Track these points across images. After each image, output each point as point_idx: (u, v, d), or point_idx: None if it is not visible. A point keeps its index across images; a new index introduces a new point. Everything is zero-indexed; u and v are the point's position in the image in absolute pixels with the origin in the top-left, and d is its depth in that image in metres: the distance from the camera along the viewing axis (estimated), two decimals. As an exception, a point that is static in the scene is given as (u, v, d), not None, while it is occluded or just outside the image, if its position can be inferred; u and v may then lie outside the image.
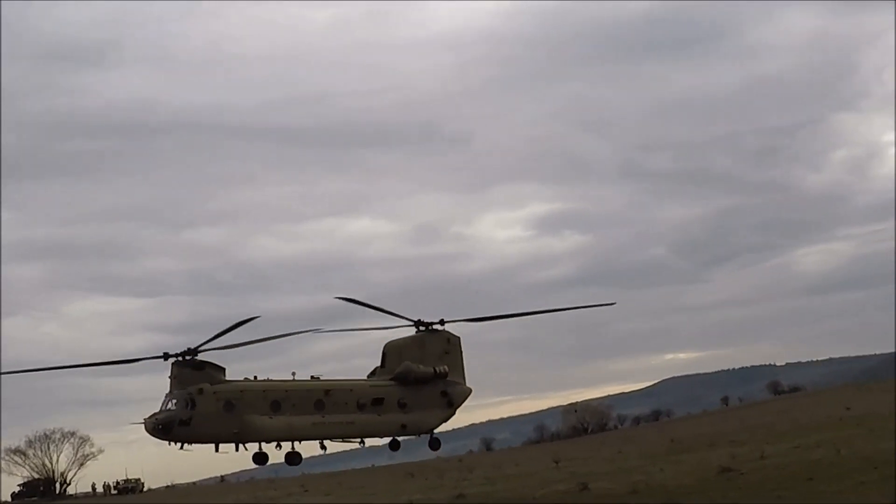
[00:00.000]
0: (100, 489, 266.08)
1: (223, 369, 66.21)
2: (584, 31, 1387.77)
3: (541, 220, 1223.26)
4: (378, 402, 71.42)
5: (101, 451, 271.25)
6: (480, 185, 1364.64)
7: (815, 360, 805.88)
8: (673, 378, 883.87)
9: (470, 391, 77.47)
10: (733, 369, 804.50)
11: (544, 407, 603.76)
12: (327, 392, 68.95)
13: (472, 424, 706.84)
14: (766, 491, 66.15)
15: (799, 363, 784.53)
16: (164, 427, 63.23)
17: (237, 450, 67.09)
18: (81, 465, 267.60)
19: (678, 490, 74.69)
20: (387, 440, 75.41)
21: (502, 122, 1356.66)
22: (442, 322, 75.09)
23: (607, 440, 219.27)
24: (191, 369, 64.67)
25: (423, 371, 73.71)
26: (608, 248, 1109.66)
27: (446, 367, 74.97)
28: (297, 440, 68.13)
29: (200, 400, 63.62)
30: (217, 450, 66.05)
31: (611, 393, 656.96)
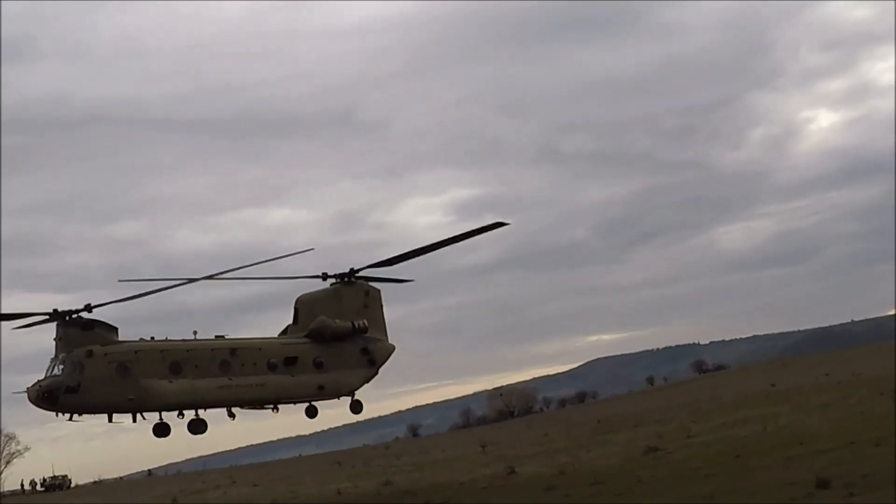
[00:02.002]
0: (28, 487, 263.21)
1: (115, 329, 59.51)
2: (499, 13, 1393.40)
3: (461, 205, 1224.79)
4: (291, 361, 64.75)
5: (27, 449, 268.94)
6: (400, 171, 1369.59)
7: (738, 337, 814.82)
8: (598, 359, 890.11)
9: (393, 348, 70.66)
10: (657, 349, 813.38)
11: (470, 392, 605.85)
12: (234, 351, 62.32)
13: (398, 411, 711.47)
14: (693, 469, 65.96)
15: (723, 341, 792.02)
16: (48, 395, 56.38)
17: (134, 420, 59.83)
18: (8, 463, 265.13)
19: (605, 471, 74.38)
20: (302, 406, 67.88)
21: (419, 107, 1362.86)
22: (352, 272, 68.90)
23: (533, 423, 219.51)
24: (78, 329, 57.89)
25: (341, 326, 67.25)
26: (529, 231, 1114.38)
27: (366, 322, 68.61)
28: (201, 407, 61.47)
29: (90, 363, 56.85)
30: (110, 420, 58.92)
31: (536, 376, 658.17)
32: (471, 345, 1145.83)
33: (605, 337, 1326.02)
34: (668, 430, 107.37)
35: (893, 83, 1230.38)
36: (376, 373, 69.62)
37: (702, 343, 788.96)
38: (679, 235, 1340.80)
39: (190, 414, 61.75)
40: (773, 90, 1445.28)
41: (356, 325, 68.02)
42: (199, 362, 60.96)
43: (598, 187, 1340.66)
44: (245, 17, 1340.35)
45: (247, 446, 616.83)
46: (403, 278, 72.99)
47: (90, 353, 57.25)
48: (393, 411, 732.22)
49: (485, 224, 67.34)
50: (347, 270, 68.79)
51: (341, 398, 68.78)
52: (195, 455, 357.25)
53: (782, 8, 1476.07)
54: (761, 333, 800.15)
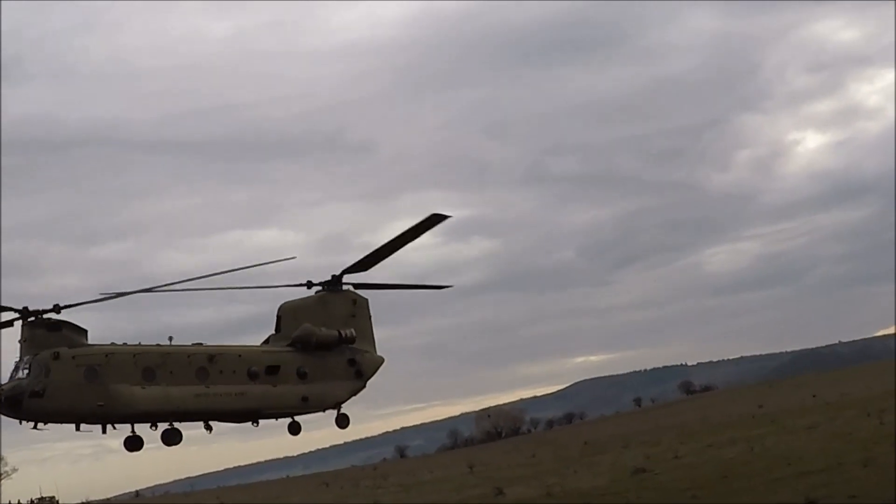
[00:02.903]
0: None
1: (85, 331, 54.63)
2: (486, 36, 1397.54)
3: (448, 227, 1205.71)
4: (273, 370, 59.19)
5: (14, 470, 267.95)
6: (387, 193, 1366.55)
7: (726, 358, 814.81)
8: (585, 380, 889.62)
9: (382, 360, 65.05)
10: (645, 370, 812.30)
11: (457, 413, 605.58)
12: (212, 358, 57.17)
13: (386, 432, 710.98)
14: (681, 490, 66.11)
15: (710, 362, 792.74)
16: (11, 401, 51.68)
17: (104, 430, 54.77)
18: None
19: (593, 492, 74.49)
20: (284, 423, 61.10)
21: (407, 129, 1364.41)
22: (337, 280, 63.19)
23: (521, 444, 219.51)
24: (44, 330, 53.20)
25: (327, 334, 61.27)
26: (516, 252, 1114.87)
27: (353, 331, 62.66)
28: (175, 417, 55.95)
29: (56, 366, 52.02)
30: (78, 428, 53.71)
31: (524, 397, 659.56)
32: (459, 366, 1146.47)
33: (593, 358, 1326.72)
34: (655, 452, 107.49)
35: (880, 105, 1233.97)
36: (364, 386, 63.81)
37: (689, 364, 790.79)
38: (666, 257, 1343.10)
39: (164, 425, 55.63)
40: (761, 112, 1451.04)
41: (343, 335, 61.92)
42: (174, 368, 55.83)
43: (585, 209, 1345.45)
44: (233, 39, 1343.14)
45: (234, 467, 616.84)
46: (441, 284, 67.85)
47: (57, 356, 52.26)
48: (380, 432, 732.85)
49: (425, 218, 66.14)
50: (329, 278, 63.28)
51: (326, 411, 62.46)
52: (183, 476, 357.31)
53: (770, 30, 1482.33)
54: (749, 355, 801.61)
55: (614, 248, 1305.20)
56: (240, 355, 58.41)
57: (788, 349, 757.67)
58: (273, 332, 62.65)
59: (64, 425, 53.11)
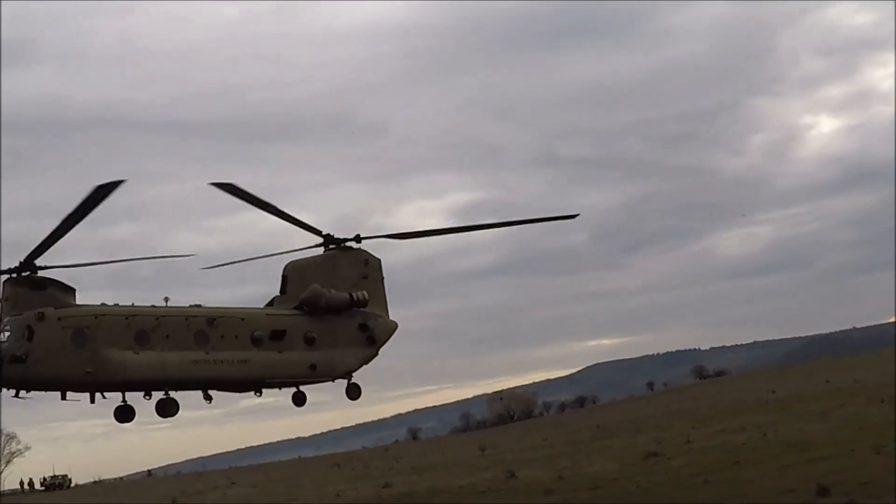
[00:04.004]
0: (27, 486, 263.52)
1: (73, 290, 50.90)
2: (496, 20, 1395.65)
3: (460, 210, 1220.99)
4: (278, 335, 55.34)
5: (28, 448, 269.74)
6: (398, 175, 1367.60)
7: (738, 343, 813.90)
8: (598, 364, 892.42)
9: (395, 326, 61.42)
10: (658, 354, 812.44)
11: (470, 395, 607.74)
12: (212, 321, 53.28)
13: (398, 414, 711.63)
14: (692, 475, 66.00)
15: (723, 347, 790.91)
16: None
17: (92, 399, 51.36)
18: (8, 462, 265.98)
19: (604, 476, 74.42)
20: (289, 391, 58.27)
21: (417, 112, 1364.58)
22: (358, 239, 59.83)
23: (533, 427, 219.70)
24: (28, 288, 49.23)
25: (337, 297, 57.52)
26: (528, 236, 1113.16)
27: (365, 294, 58.79)
28: (171, 385, 52.23)
29: (41, 328, 48.05)
30: (64, 397, 50.59)
31: (536, 380, 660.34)
32: (471, 349, 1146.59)
33: (606, 342, 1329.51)
34: (667, 436, 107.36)
35: (894, 89, 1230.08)
36: (376, 353, 60.16)
37: (702, 349, 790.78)
38: (679, 241, 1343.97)
39: (159, 394, 52.50)
40: (774, 96, 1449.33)
41: (355, 297, 58.28)
42: (170, 332, 51.78)
43: (597, 192, 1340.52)
44: (242, 20, 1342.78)
45: (246, 448, 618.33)
46: (565, 214, 62.21)
47: (41, 317, 48.31)
48: (392, 414, 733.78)
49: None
50: (353, 236, 59.88)
51: (336, 381, 58.92)
52: (195, 456, 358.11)
53: (782, 13, 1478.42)
54: (762, 340, 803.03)
55: (626, 231, 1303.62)
56: (242, 319, 54.73)
57: (802, 334, 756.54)
58: (278, 293, 59.02)
59: (49, 392, 49.81)
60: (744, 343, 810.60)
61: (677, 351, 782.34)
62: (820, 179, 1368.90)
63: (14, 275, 49.44)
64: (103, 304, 51.19)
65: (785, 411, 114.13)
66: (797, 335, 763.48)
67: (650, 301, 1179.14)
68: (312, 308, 57.04)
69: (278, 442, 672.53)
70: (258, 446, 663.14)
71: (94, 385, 50.16)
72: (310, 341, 56.28)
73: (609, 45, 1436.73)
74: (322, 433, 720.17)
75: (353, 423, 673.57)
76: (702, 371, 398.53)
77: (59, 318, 48.77)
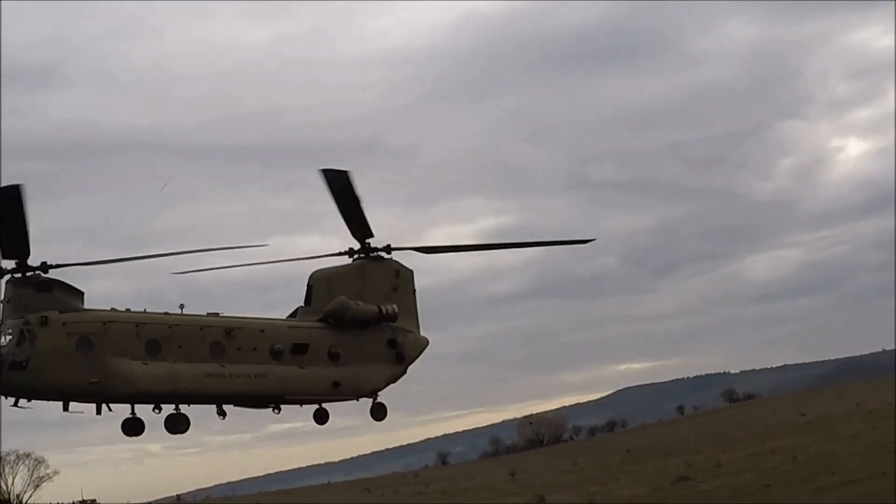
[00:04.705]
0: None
1: (81, 294, 47.51)
2: (525, 43, 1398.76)
3: (490, 234, 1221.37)
4: (300, 349, 51.30)
5: (56, 473, 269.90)
6: (428, 199, 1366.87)
7: (768, 366, 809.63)
8: (628, 388, 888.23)
9: (426, 342, 56.97)
10: (688, 378, 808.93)
11: (499, 420, 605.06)
12: (229, 332, 49.52)
13: (427, 439, 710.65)
14: (723, 499, 66.03)
15: (753, 370, 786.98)
16: None
17: (98, 411, 47.74)
18: (37, 486, 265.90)
19: (634, 500, 74.49)
20: (310, 409, 53.76)
21: (447, 136, 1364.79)
22: (388, 249, 55.36)
23: (563, 452, 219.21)
24: (32, 290, 45.93)
25: (365, 309, 53.19)
26: (558, 260, 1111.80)
27: (395, 307, 54.42)
28: (183, 399, 48.44)
29: (43, 333, 44.72)
30: (66, 408, 46.90)
31: (566, 404, 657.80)
32: (500, 373, 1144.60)
33: (635, 366, 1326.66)
34: (697, 460, 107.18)
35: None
36: (405, 371, 55.71)
37: (732, 372, 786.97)
38: (708, 265, 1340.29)
39: (169, 408, 48.72)
40: (803, 119, 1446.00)
41: (384, 311, 53.90)
42: (183, 342, 48.24)
43: (626, 216, 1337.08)
44: (272, 45, 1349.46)
45: (276, 472, 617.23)
46: (582, 238, 59.95)
47: (45, 321, 44.97)
48: (422, 439, 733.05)
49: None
50: (383, 247, 55.43)
51: (360, 399, 54.34)
52: (224, 481, 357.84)
53: (810, 36, 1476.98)
54: (791, 363, 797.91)
55: (655, 255, 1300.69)
56: (262, 330, 50.91)
57: (831, 357, 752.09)
58: (302, 304, 54.75)
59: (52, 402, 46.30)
60: (774, 366, 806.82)
61: (707, 374, 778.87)
62: (848, 202, 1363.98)
63: (19, 274, 46.05)
64: (113, 310, 47.73)
65: (815, 434, 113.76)
66: (827, 358, 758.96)
67: (680, 325, 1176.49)
68: (338, 321, 52.95)
69: (308, 467, 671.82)
70: (287, 471, 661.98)
71: (99, 396, 46.62)
72: (334, 356, 52.34)
73: (639, 69, 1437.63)
74: (352, 458, 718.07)
75: (383, 448, 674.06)
76: (732, 394, 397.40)
77: (63, 323, 45.51)
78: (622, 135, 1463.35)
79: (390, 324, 54.18)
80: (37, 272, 46.01)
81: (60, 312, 45.38)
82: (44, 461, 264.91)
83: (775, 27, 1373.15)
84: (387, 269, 55.20)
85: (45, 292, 45.67)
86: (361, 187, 51.41)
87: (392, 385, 55.25)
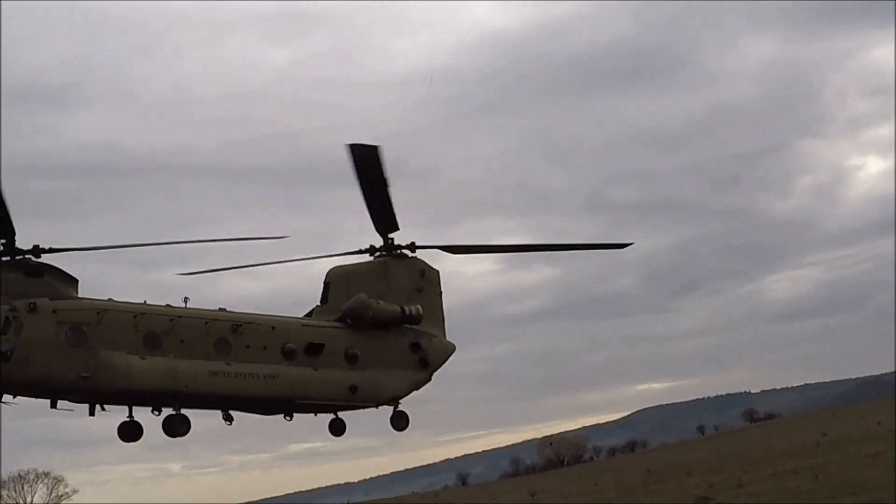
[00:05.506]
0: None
1: (75, 281, 43.33)
2: (544, 64, 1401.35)
3: (510, 255, 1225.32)
4: (315, 349, 46.95)
5: (75, 492, 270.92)
6: (448, 219, 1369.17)
7: (789, 386, 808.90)
8: (648, 408, 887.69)
9: (453, 348, 52.26)
10: (708, 398, 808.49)
11: (519, 440, 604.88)
12: (236, 328, 45.12)
13: (447, 459, 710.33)
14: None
15: (774, 390, 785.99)
16: None
17: (91, 411, 43.37)
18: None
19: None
20: (325, 418, 48.89)
21: (467, 157, 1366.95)
22: (413, 247, 51.08)
23: (583, 472, 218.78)
24: (21, 274, 41.72)
25: (386, 309, 48.93)
26: (577, 280, 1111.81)
27: (420, 309, 50.19)
28: (182, 399, 43.61)
29: (31, 321, 40.36)
30: (54, 405, 41.94)
31: (586, 424, 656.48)
32: (520, 393, 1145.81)
33: (655, 386, 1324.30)
34: (718, 480, 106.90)
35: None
36: (429, 378, 50.98)
37: (752, 392, 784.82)
38: (727, 284, 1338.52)
39: (169, 409, 44.03)
40: (822, 137, 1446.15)
41: (407, 312, 49.62)
42: (186, 336, 43.92)
43: (645, 236, 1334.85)
44: (291, 67, 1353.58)
45: (295, 492, 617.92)
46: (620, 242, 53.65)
47: (33, 308, 40.66)
48: (442, 459, 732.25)
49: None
50: (408, 244, 51.16)
51: (380, 407, 49.42)
52: (243, 500, 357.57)
53: (828, 56, 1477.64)
54: (812, 382, 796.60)
55: (675, 275, 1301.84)
56: (273, 327, 46.56)
57: (853, 376, 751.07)
58: (318, 302, 50.64)
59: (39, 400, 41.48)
60: (794, 385, 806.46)
61: (728, 394, 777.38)
62: (868, 221, 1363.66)
63: (7, 257, 41.90)
64: (110, 300, 43.38)
65: (837, 454, 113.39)
66: (848, 377, 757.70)
67: (700, 344, 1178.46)
68: (357, 321, 48.70)
69: (327, 487, 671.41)
70: (307, 491, 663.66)
71: (91, 393, 42.16)
72: (351, 359, 48.05)
73: (658, 89, 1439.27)
74: (371, 478, 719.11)
75: (403, 468, 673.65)
76: (752, 414, 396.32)
77: (54, 311, 41.17)
78: (642, 154, 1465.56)
79: (413, 326, 50.20)
80: (27, 256, 42.31)
81: (51, 300, 41.36)
82: (63, 480, 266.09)
83: (794, 46, 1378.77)
84: (411, 269, 51.42)
85: (36, 277, 41.97)
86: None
87: (415, 392, 50.40)
